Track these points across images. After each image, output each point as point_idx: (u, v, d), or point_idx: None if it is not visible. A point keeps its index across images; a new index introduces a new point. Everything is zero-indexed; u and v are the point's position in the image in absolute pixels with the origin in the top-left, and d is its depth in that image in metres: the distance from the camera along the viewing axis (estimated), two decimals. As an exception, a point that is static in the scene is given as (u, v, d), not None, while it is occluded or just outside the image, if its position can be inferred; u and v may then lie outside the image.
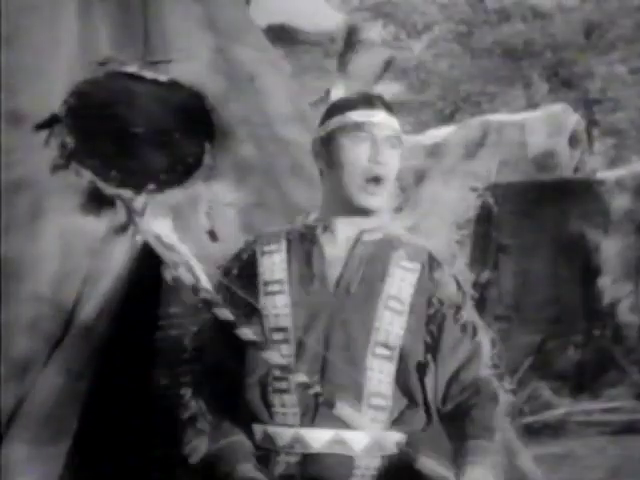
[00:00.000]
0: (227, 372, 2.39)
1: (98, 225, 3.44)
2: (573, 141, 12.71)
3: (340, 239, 2.40)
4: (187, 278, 2.30)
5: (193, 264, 2.31)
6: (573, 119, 12.96)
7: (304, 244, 2.41)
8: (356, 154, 2.36)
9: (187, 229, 3.45)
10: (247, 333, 2.29)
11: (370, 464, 2.31)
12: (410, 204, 12.87)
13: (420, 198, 12.81)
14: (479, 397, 2.40)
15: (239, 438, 2.36)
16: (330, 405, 2.25)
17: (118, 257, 3.41)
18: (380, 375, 2.32)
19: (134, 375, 3.56)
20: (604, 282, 11.63)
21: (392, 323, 2.33)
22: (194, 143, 3.58)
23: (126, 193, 3.45)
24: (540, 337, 11.21)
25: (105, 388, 3.37)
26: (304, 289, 2.36)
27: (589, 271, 11.62)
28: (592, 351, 11.30)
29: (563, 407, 10.46)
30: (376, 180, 2.36)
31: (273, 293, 2.37)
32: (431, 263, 2.43)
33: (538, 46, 18.87)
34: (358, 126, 2.37)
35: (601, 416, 10.23)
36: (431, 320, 2.39)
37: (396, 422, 2.34)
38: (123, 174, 3.48)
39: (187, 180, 3.52)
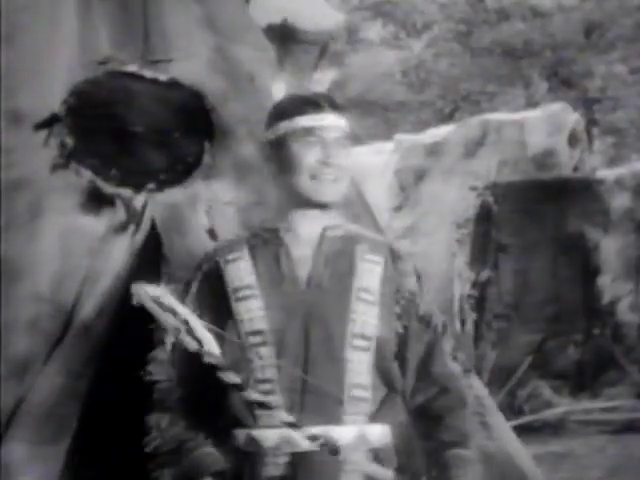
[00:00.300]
0: (206, 379, 2.37)
1: (98, 225, 3.44)
2: (573, 140, 12.71)
3: (304, 238, 2.42)
4: (190, 344, 2.29)
5: (194, 325, 2.29)
6: (573, 118, 12.96)
7: (269, 247, 2.43)
8: (307, 158, 2.39)
9: (187, 228, 3.46)
10: (254, 395, 2.30)
11: (358, 458, 2.33)
12: (410, 203, 12.87)
13: (420, 197, 12.81)
14: (448, 398, 2.44)
15: (203, 451, 2.38)
16: (334, 452, 2.28)
17: (118, 256, 3.41)
18: (359, 366, 2.35)
19: (134, 375, 3.56)
20: (604, 281, 11.64)
21: (366, 314, 2.37)
22: (194, 142, 3.58)
23: (126, 192, 3.45)
24: (540, 336, 11.22)
25: (105, 388, 3.37)
26: (276, 291, 2.38)
27: (589, 270, 11.63)
28: (592, 350, 11.32)
29: (563, 406, 10.48)
30: (329, 182, 2.40)
31: (245, 298, 2.38)
32: (393, 256, 2.47)
33: (538, 45, 18.87)
34: (308, 131, 2.39)
35: (601, 415, 10.24)
36: (403, 310, 2.43)
37: (377, 413, 2.37)
38: (123, 173, 3.48)
39: (187, 179, 3.52)
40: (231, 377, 2.28)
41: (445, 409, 2.43)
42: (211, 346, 2.29)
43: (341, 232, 2.45)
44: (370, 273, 2.41)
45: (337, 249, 2.42)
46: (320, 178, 2.38)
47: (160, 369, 2.47)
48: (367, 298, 2.38)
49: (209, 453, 2.38)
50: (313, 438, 2.27)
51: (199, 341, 2.28)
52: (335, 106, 2.44)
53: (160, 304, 2.29)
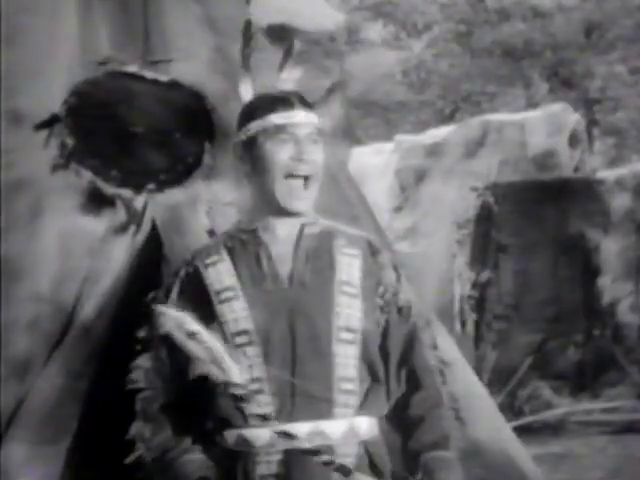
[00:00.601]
0: (193, 382, 2.36)
1: (98, 225, 3.44)
2: (573, 141, 12.71)
3: (282, 237, 2.43)
4: (216, 374, 2.28)
5: (220, 353, 2.28)
6: (573, 119, 12.96)
7: (247, 247, 2.43)
8: (280, 156, 2.39)
9: (187, 229, 3.45)
10: (282, 429, 2.30)
11: (348, 451, 2.34)
12: (410, 204, 12.87)
13: (420, 198, 12.81)
14: (424, 394, 2.44)
15: (186, 459, 2.37)
16: (347, 473, 2.28)
17: (118, 257, 3.41)
18: (346, 360, 2.36)
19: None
20: (604, 282, 11.64)
21: (350, 307, 2.38)
22: (194, 143, 3.58)
23: (126, 193, 3.45)
24: (540, 337, 11.22)
25: (105, 388, 3.37)
26: (258, 290, 2.38)
27: (589, 271, 11.63)
28: (592, 351, 11.31)
29: (563, 407, 10.47)
30: (302, 179, 2.40)
31: (228, 300, 2.38)
32: (371, 249, 2.48)
33: (538, 46, 18.88)
34: (280, 129, 2.39)
35: (601, 416, 10.23)
36: (385, 303, 2.45)
37: (363, 404, 2.37)
38: (123, 174, 3.48)
39: (187, 180, 3.52)
40: (256, 409, 2.28)
41: (423, 407, 2.43)
42: (236, 376, 2.28)
43: (318, 228, 2.46)
44: (350, 266, 2.42)
45: (316, 245, 2.43)
46: (293, 188, 2.38)
47: (142, 377, 2.45)
48: (349, 291, 2.39)
49: (192, 460, 2.37)
50: (326, 463, 2.28)
51: (225, 371, 2.27)
52: (305, 103, 2.44)
53: (183, 327, 2.29)
